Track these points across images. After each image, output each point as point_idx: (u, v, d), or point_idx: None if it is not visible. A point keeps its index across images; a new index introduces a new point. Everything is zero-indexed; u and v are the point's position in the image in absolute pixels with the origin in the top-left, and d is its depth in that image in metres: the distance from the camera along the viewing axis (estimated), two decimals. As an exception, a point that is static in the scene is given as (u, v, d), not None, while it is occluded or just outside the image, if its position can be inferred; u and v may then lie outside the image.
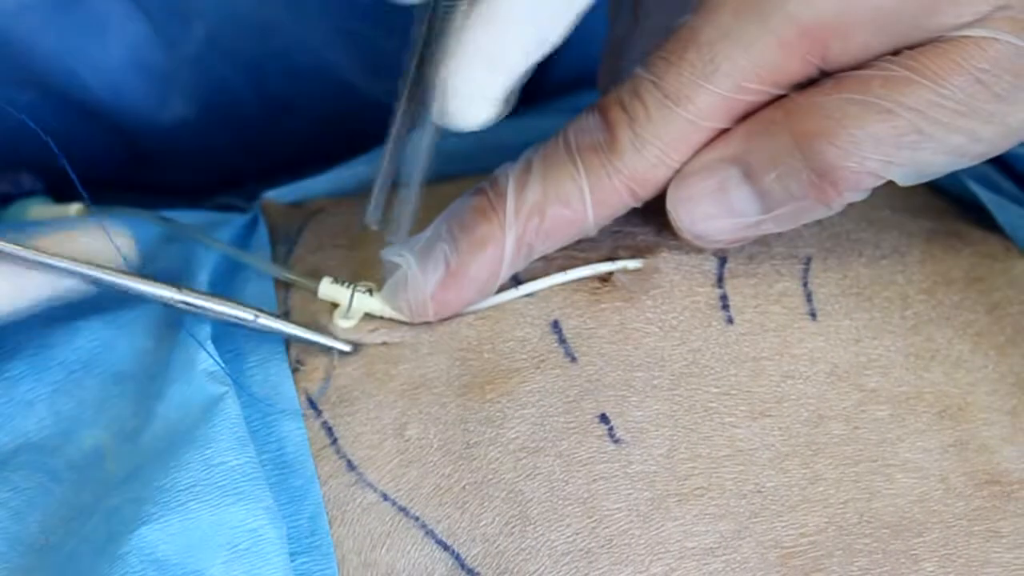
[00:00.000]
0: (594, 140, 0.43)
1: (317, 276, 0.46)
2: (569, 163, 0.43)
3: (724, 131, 0.43)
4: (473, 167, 0.54)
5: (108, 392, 0.46)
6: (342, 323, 0.45)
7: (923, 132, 0.41)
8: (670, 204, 0.44)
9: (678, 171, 0.43)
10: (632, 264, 0.45)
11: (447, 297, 0.44)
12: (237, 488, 0.41)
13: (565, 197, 0.43)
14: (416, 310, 0.44)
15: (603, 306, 0.45)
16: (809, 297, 0.45)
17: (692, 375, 0.43)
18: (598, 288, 0.45)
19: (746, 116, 0.43)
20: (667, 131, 0.42)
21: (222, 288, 0.48)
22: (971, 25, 0.40)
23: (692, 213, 0.43)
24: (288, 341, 0.45)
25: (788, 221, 0.43)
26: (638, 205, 0.44)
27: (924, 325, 0.45)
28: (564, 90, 0.67)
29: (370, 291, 0.45)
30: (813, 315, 0.45)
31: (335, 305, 0.46)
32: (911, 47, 0.41)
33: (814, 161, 0.41)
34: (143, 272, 0.46)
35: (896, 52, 0.41)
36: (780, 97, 0.42)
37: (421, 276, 0.44)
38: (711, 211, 0.43)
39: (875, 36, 0.41)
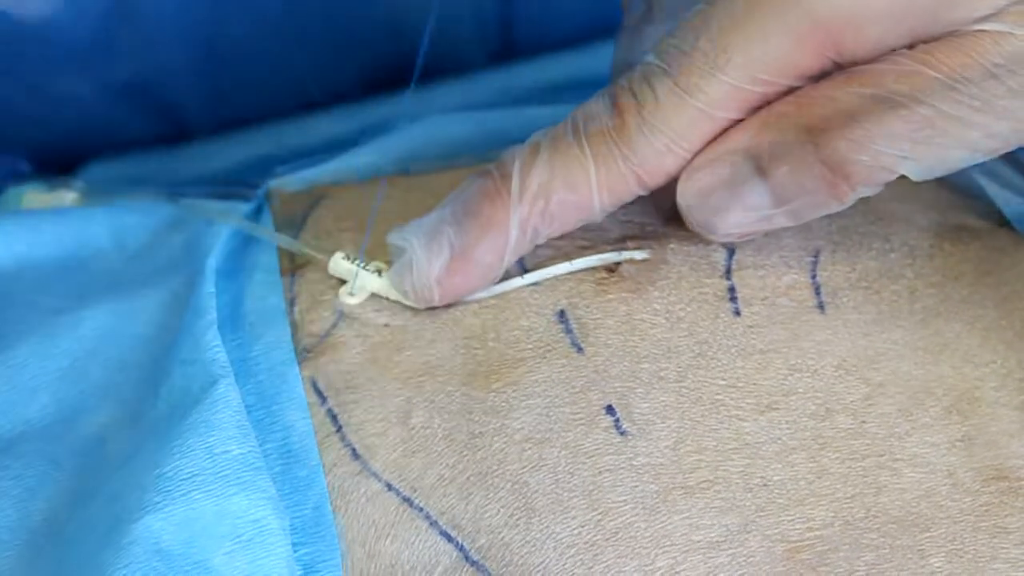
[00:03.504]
0: (603, 125, 0.43)
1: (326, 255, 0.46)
2: (576, 147, 0.43)
3: (736, 122, 0.43)
4: (475, 154, 0.54)
5: (112, 379, 0.46)
6: (347, 299, 0.45)
7: (937, 127, 0.40)
8: (680, 196, 0.43)
9: (689, 161, 0.43)
10: (639, 254, 0.45)
11: (452, 281, 0.44)
12: (240, 477, 0.41)
13: (571, 181, 0.43)
14: (421, 295, 0.44)
15: (610, 296, 0.44)
16: (817, 290, 0.45)
17: (699, 367, 0.43)
18: (605, 278, 0.45)
19: (759, 108, 0.42)
20: (677, 119, 0.42)
21: (229, 274, 0.48)
22: (987, 19, 0.40)
23: (703, 206, 0.43)
24: (294, 330, 0.45)
25: (800, 215, 0.43)
26: (646, 193, 0.44)
27: (933, 319, 0.45)
28: (533, 49, 0.67)
29: (379, 272, 0.45)
30: (821, 308, 0.45)
31: (343, 285, 0.46)
32: (926, 41, 0.40)
33: (826, 155, 0.41)
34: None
35: (911, 46, 0.41)
36: (793, 89, 0.42)
37: (426, 260, 0.44)
38: (722, 204, 0.43)
39: (890, 30, 0.40)
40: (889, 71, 0.40)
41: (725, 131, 0.43)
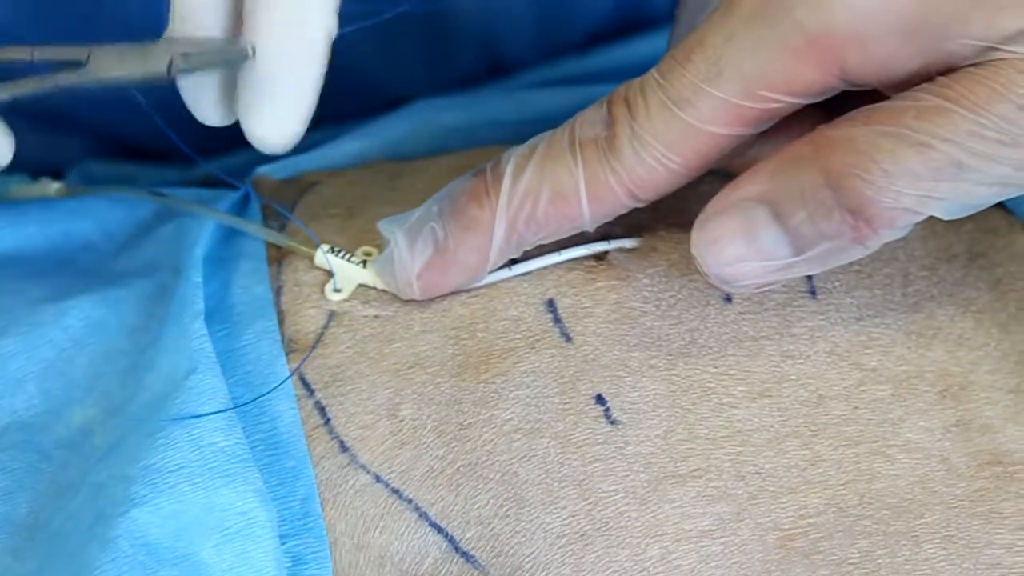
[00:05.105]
0: (596, 134, 0.41)
1: (312, 247, 0.46)
2: (569, 155, 0.42)
3: (740, 139, 0.41)
4: (468, 143, 0.54)
5: (99, 370, 0.45)
6: (333, 296, 0.45)
7: (962, 165, 0.38)
8: (694, 247, 0.41)
9: (686, 178, 0.41)
10: (629, 243, 0.45)
11: (433, 278, 0.43)
12: (226, 470, 0.40)
13: (560, 190, 0.42)
14: (403, 289, 0.44)
15: (599, 285, 0.44)
16: (809, 275, 0.44)
17: (690, 355, 0.43)
18: (594, 267, 0.44)
19: (774, 128, 0.41)
20: (667, 133, 0.40)
21: (216, 263, 0.48)
22: (1009, 40, 0.37)
23: (718, 256, 0.40)
24: (281, 320, 0.45)
25: (820, 263, 0.40)
26: (639, 206, 0.42)
27: (926, 302, 0.45)
28: (530, 63, 0.66)
29: (364, 262, 0.45)
30: (813, 293, 0.44)
31: (329, 277, 0.45)
32: (945, 66, 0.38)
33: (846, 198, 0.38)
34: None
35: (930, 77, 0.38)
36: (807, 118, 0.40)
37: (408, 255, 0.43)
38: (738, 253, 0.40)
39: (900, 48, 0.38)
40: (909, 108, 0.38)
41: (739, 178, 0.40)
